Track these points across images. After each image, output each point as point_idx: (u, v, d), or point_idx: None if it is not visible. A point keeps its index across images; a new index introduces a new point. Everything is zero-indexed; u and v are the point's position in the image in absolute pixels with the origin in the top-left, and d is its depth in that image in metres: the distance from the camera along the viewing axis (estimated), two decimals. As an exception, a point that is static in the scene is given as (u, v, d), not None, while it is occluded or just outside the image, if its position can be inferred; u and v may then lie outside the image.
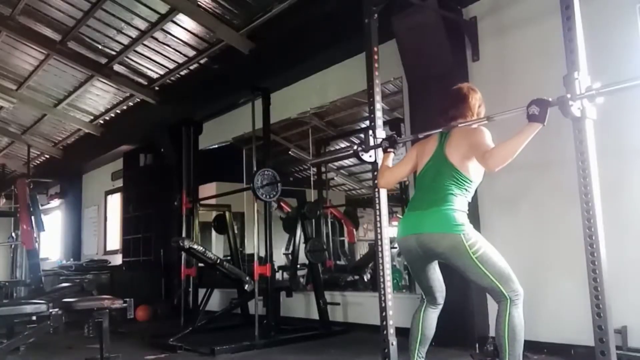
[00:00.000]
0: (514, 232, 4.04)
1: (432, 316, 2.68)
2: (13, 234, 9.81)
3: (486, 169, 2.40)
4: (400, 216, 3.08)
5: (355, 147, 3.03)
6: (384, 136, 3.28)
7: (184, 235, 5.99)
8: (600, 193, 2.26)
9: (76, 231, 11.43)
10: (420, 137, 2.93)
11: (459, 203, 2.48)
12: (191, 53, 6.65)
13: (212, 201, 6.85)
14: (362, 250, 9.80)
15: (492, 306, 3.95)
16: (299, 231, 5.84)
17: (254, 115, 5.23)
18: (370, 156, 3.14)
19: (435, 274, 2.65)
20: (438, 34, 4.24)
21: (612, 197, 2.97)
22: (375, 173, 3.22)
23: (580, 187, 2.29)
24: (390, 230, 3.22)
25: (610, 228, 2.32)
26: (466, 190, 2.51)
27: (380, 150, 3.20)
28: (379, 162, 3.20)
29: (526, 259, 3.94)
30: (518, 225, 4.03)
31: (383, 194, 3.21)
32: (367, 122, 3.48)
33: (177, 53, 6.72)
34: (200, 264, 5.96)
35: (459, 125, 2.60)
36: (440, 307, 2.71)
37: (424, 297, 2.72)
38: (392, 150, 2.93)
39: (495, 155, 2.29)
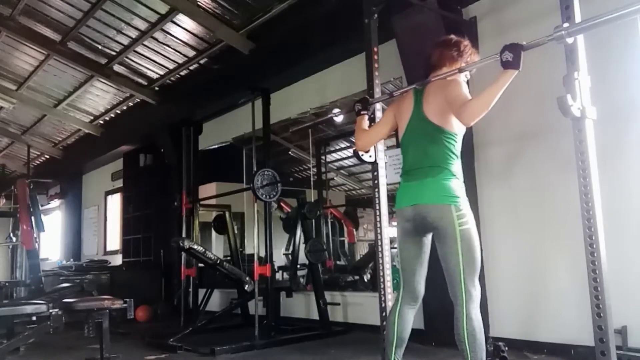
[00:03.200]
0: (513, 235, 4.04)
1: (408, 317, 2.56)
2: (11, 234, 9.79)
3: (462, 123, 2.34)
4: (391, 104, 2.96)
5: (356, 107, 2.92)
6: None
7: (184, 235, 5.98)
8: (600, 193, 2.26)
9: (76, 231, 11.43)
10: (394, 96, 2.89)
11: (453, 167, 2.43)
12: (191, 53, 6.65)
13: (212, 201, 6.85)
14: (362, 250, 9.81)
15: (491, 306, 3.97)
16: (299, 231, 5.84)
17: (254, 115, 5.23)
18: (370, 156, 3.14)
19: (423, 267, 2.57)
20: (438, 34, 4.22)
21: (612, 197, 2.97)
22: (376, 173, 3.23)
23: (580, 187, 2.29)
24: (390, 230, 3.21)
25: (610, 228, 2.32)
26: (454, 146, 2.45)
27: (380, 151, 3.21)
28: (379, 162, 3.21)
29: (526, 259, 3.95)
30: (516, 227, 4.03)
31: (383, 194, 3.21)
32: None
33: (177, 53, 6.72)
34: (200, 264, 5.96)
35: (431, 79, 2.52)
36: (417, 305, 2.60)
37: (399, 293, 2.60)
38: (365, 112, 2.88)
39: (470, 108, 2.23)
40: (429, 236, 2.54)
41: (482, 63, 2.48)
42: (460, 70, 2.52)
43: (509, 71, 2.15)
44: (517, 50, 2.14)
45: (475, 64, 2.59)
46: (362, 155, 3.09)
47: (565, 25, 2.18)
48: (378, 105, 3.19)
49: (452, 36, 2.66)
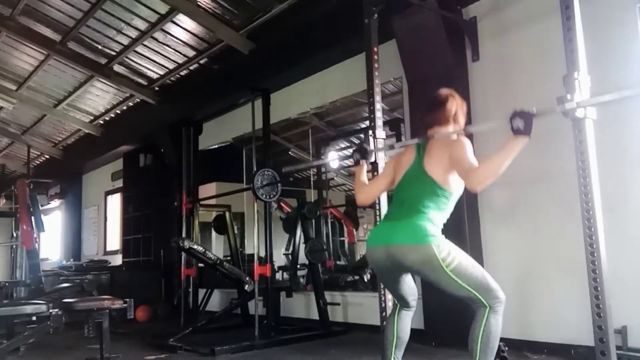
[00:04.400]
0: (513, 233, 4.04)
1: (406, 319, 2.55)
2: (15, 234, 9.79)
3: (470, 188, 2.24)
4: (392, 156, 2.93)
5: (354, 156, 2.82)
6: (384, 136, 3.29)
7: (184, 235, 5.99)
8: (600, 193, 2.26)
9: (76, 231, 11.43)
10: (395, 147, 2.84)
11: (435, 217, 2.32)
12: (191, 53, 6.65)
13: (212, 201, 6.86)
14: (362, 250, 9.79)
15: (492, 306, 3.96)
16: (299, 231, 5.84)
17: (254, 116, 5.23)
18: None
19: (405, 282, 2.50)
20: (438, 34, 4.25)
21: (612, 196, 2.97)
22: (376, 173, 3.22)
23: (580, 187, 2.29)
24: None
25: (610, 227, 2.32)
26: (445, 204, 2.36)
27: (380, 152, 3.21)
28: (379, 162, 3.21)
29: (526, 259, 3.95)
30: (517, 226, 4.03)
31: (383, 200, 3.21)
32: (367, 122, 3.49)
33: (177, 53, 6.72)
34: (200, 264, 5.96)
35: (435, 136, 2.44)
36: (414, 309, 2.58)
37: (396, 301, 2.60)
38: (364, 161, 2.79)
39: (479, 176, 2.15)
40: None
41: (490, 126, 2.44)
42: (466, 130, 2.47)
43: (520, 138, 2.07)
44: (529, 118, 2.05)
45: (483, 127, 2.55)
46: (358, 160, 3.08)
47: (578, 100, 2.14)
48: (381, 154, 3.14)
49: (442, 92, 2.55)
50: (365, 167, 2.80)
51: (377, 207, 3.20)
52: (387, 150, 3.16)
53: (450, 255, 2.23)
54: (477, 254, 4.03)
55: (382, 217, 2.56)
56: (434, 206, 2.33)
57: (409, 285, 2.53)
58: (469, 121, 4.29)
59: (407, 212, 2.35)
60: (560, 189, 3.65)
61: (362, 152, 2.80)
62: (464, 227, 4.05)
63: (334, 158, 3.01)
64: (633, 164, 3.45)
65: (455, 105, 2.51)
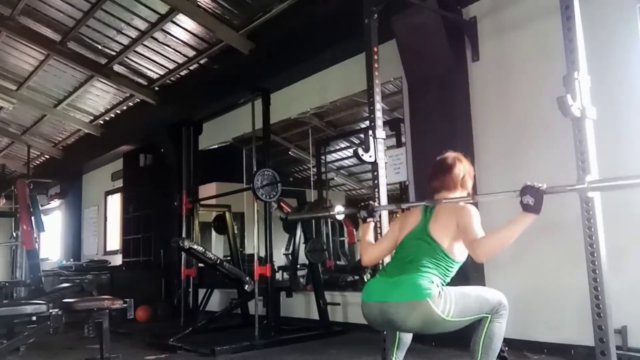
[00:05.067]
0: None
1: None
2: (14, 234, 9.79)
3: (474, 259, 2.20)
4: (399, 216, 2.92)
5: (361, 214, 2.74)
6: (384, 136, 3.28)
7: (184, 235, 5.99)
8: (600, 192, 2.26)
9: (76, 231, 11.42)
10: (402, 207, 2.80)
11: (434, 277, 2.23)
12: (191, 53, 6.64)
13: (212, 201, 6.86)
14: (360, 249, 9.77)
15: (492, 306, 3.96)
16: (299, 231, 5.84)
17: (254, 116, 5.23)
18: (370, 156, 3.14)
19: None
20: (438, 34, 4.24)
21: (612, 196, 2.96)
22: (376, 173, 3.22)
23: (580, 187, 2.29)
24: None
25: (610, 227, 2.32)
26: (447, 270, 2.31)
27: (380, 151, 3.20)
28: (379, 162, 3.20)
29: (526, 258, 3.94)
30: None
31: (383, 194, 3.21)
32: (367, 122, 3.48)
33: (177, 53, 6.72)
34: (200, 264, 5.96)
35: (443, 201, 2.41)
36: None
37: None
38: (371, 219, 2.72)
39: (485, 247, 2.13)
40: None
41: (499, 197, 2.41)
42: (474, 198, 2.44)
43: (529, 215, 2.06)
44: (539, 196, 2.03)
45: (491, 197, 2.52)
46: (362, 155, 3.09)
47: (588, 179, 2.12)
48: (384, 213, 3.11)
49: (447, 156, 2.54)
50: (371, 225, 2.73)
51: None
52: (394, 210, 3.10)
53: (447, 302, 2.17)
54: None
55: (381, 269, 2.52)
56: (434, 267, 2.27)
57: (407, 333, 2.52)
58: (468, 122, 4.32)
59: (404, 268, 2.29)
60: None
61: (368, 211, 2.73)
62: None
63: (340, 211, 2.97)
64: (633, 164, 3.45)
65: (463, 170, 2.49)
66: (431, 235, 2.34)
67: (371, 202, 2.84)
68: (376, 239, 2.86)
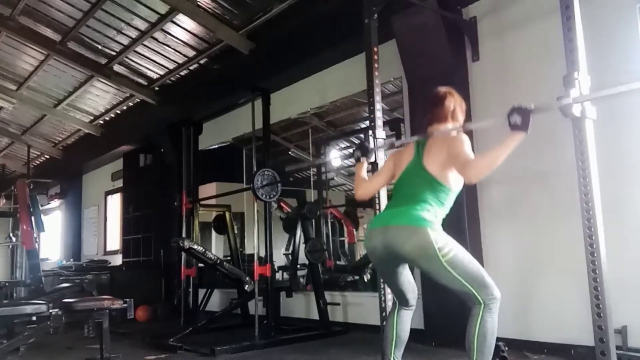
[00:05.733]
0: (513, 234, 4.04)
1: (406, 318, 2.55)
2: (11, 234, 9.78)
3: (465, 180, 2.29)
4: (392, 153, 2.95)
5: (355, 154, 2.86)
6: (384, 136, 3.29)
7: (184, 235, 5.99)
8: (600, 193, 2.26)
9: (76, 231, 11.42)
10: (395, 146, 2.85)
11: (434, 209, 2.34)
12: (191, 53, 6.65)
13: (212, 201, 6.86)
14: (362, 250, 9.79)
15: (492, 306, 3.96)
16: (299, 231, 5.84)
17: (254, 115, 5.23)
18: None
19: (405, 275, 2.51)
20: (438, 34, 4.25)
21: (612, 196, 2.97)
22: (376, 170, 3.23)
23: (580, 187, 2.30)
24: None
25: (610, 227, 2.32)
26: (444, 199, 2.38)
27: (380, 151, 3.21)
28: (380, 162, 3.21)
29: (526, 259, 3.95)
30: (516, 226, 4.03)
31: (383, 194, 3.21)
32: (367, 122, 3.49)
33: (177, 53, 6.72)
34: (200, 264, 5.96)
35: (434, 134, 2.49)
36: (414, 308, 2.58)
37: (395, 300, 2.60)
38: (364, 159, 2.83)
39: (475, 167, 2.18)
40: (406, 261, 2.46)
41: (489, 123, 2.45)
42: (465, 127, 2.48)
43: (517, 134, 2.10)
44: (526, 114, 2.07)
45: (480, 123, 2.56)
46: (358, 157, 3.09)
47: (574, 95, 2.14)
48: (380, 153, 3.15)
49: (440, 90, 2.58)
50: (365, 164, 2.85)
51: (377, 203, 3.20)
52: (387, 148, 3.17)
53: (447, 246, 2.25)
54: (477, 252, 4.03)
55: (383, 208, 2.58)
56: (433, 199, 2.36)
57: (409, 280, 2.53)
58: (468, 120, 4.32)
59: (406, 201, 2.39)
60: (559, 187, 3.65)
61: (362, 150, 2.84)
62: (463, 226, 4.05)
63: (335, 157, 3.10)
64: (633, 164, 3.45)
65: (454, 103, 2.54)
66: (426, 168, 2.41)
67: (365, 142, 2.94)
68: None
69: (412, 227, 2.28)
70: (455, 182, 2.39)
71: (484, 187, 4.22)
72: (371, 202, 3.25)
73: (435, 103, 2.55)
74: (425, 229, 2.25)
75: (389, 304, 3.01)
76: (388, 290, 3.08)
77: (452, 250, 2.25)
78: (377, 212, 3.18)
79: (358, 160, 2.84)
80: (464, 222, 4.06)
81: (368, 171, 2.92)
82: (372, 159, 3.05)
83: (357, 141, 8.14)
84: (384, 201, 3.20)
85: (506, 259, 4.03)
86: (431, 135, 2.50)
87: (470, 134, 2.64)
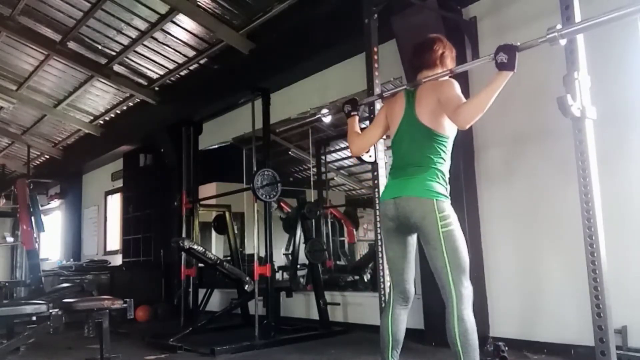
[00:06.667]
0: (513, 235, 4.04)
1: (401, 317, 2.54)
2: (5, 234, 9.77)
3: (458, 126, 2.30)
4: (383, 104, 2.94)
5: (345, 108, 2.82)
6: (383, 136, 3.29)
7: (184, 235, 5.99)
8: (600, 193, 2.26)
9: (76, 231, 11.42)
10: (383, 97, 2.83)
11: (440, 168, 2.39)
12: (191, 53, 6.64)
13: (212, 201, 6.86)
14: (362, 250, 9.81)
15: (491, 306, 3.97)
16: (299, 231, 5.84)
17: (254, 115, 5.23)
18: (370, 156, 3.14)
19: (409, 263, 2.53)
20: (438, 34, 4.24)
21: (612, 196, 2.97)
22: (376, 173, 3.23)
23: (580, 187, 2.30)
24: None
25: (610, 228, 2.32)
26: (444, 148, 2.41)
27: (380, 151, 3.21)
28: (379, 162, 3.21)
29: (526, 259, 3.95)
30: (516, 227, 4.03)
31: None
32: (367, 122, 3.49)
33: (177, 53, 6.72)
34: (200, 264, 5.96)
35: (423, 81, 2.46)
36: (409, 305, 2.57)
37: (390, 295, 2.59)
38: (355, 113, 2.79)
39: (466, 111, 2.17)
40: (414, 236, 2.50)
41: (476, 64, 2.46)
42: (452, 72, 2.47)
43: (504, 72, 2.09)
44: (512, 52, 2.07)
45: (469, 65, 2.57)
46: (362, 155, 3.09)
47: (558, 26, 2.15)
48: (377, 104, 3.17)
49: (429, 36, 2.60)
50: (357, 118, 2.81)
51: (378, 207, 3.20)
52: (377, 99, 3.14)
53: (449, 218, 2.31)
54: (477, 250, 4.03)
55: (390, 172, 2.60)
56: (435, 155, 2.38)
57: (411, 270, 2.54)
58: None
59: (416, 168, 2.40)
60: (559, 180, 3.65)
61: (352, 104, 2.80)
62: (463, 223, 4.04)
63: (325, 113, 3.08)
64: (633, 164, 3.45)
65: (442, 47, 2.53)
66: (420, 120, 2.42)
67: (354, 97, 2.90)
68: None
69: (422, 199, 2.32)
70: (450, 128, 2.40)
71: (483, 185, 4.22)
72: (371, 201, 3.25)
73: (423, 49, 2.55)
74: (432, 199, 2.30)
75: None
76: (388, 290, 3.08)
77: (451, 224, 2.31)
78: (377, 212, 3.18)
79: (349, 115, 2.79)
80: (464, 222, 4.06)
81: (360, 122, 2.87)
82: (370, 152, 3.02)
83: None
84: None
85: (506, 260, 4.03)
86: (420, 83, 2.48)
87: (466, 87, 2.61)
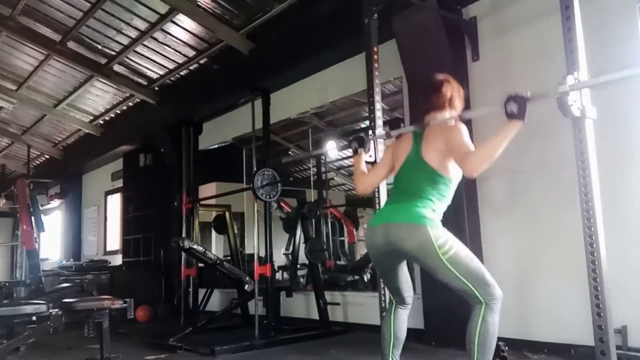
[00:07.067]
0: (513, 234, 4.04)
1: (402, 317, 2.54)
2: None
3: (465, 174, 2.24)
4: (390, 145, 2.94)
5: (352, 145, 2.80)
6: (383, 136, 3.29)
7: (184, 235, 5.98)
8: (600, 193, 2.26)
9: (76, 231, 11.42)
10: (392, 135, 2.83)
11: (435, 204, 2.33)
12: (191, 53, 6.64)
13: (212, 201, 6.86)
14: (362, 250, 9.80)
15: (492, 306, 3.96)
16: (299, 231, 5.84)
17: (254, 115, 5.23)
18: (370, 156, 3.14)
19: (403, 274, 2.50)
20: (438, 34, 4.24)
21: (612, 196, 2.97)
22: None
23: (580, 187, 2.30)
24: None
25: (610, 228, 2.32)
26: (445, 191, 2.36)
27: (380, 151, 3.21)
28: (379, 161, 3.21)
29: (526, 259, 3.95)
30: (516, 226, 4.03)
31: (383, 194, 3.22)
32: (367, 122, 3.49)
33: (176, 53, 6.72)
34: (200, 264, 5.96)
35: (431, 123, 2.44)
36: (410, 306, 2.57)
37: (392, 298, 2.59)
38: (362, 150, 2.77)
39: (474, 160, 2.13)
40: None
41: (485, 112, 2.43)
42: (461, 118, 2.44)
43: (514, 122, 2.05)
44: (523, 102, 2.03)
45: (477, 111, 2.54)
46: (360, 153, 3.09)
47: (570, 82, 2.12)
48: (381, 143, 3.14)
49: (437, 77, 2.54)
50: (363, 156, 2.78)
51: (377, 197, 3.20)
52: (385, 138, 3.14)
53: (448, 243, 2.22)
54: (476, 251, 4.02)
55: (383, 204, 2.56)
56: (434, 193, 2.33)
57: (406, 279, 2.53)
58: (468, 121, 4.32)
59: (407, 197, 2.36)
60: (559, 180, 3.65)
61: (359, 142, 2.78)
62: (463, 225, 4.05)
63: (332, 147, 3.14)
64: (633, 164, 3.45)
65: (451, 90, 2.49)
66: (425, 159, 2.38)
67: (362, 134, 2.87)
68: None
69: (413, 225, 2.25)
70: (455, 172, 2.36)
71: (482, 184, 4.22)
72: (371, 201, 3.25)
73: (432, 91, 2.51)
74: (425, 226, 2.23)
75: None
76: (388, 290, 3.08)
77: (452, 247, 2.23)
78: (378, 208, 3.18)
79: (356, 152, 2.77)
80: (463, 220, 4.06)
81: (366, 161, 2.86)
82: (370, 152, 3.01)
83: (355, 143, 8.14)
84: (383, 196, 3.20)
85: (506, 260, 4.03)
86: (428, 125, 2.46)
87: (469, 122, 2.62)
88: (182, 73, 7.14)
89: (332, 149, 2.92)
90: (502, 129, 2.08)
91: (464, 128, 2.32)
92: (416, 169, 2.41)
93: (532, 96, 2.04)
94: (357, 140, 2.79)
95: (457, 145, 2.25)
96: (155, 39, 6.48)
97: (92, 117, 9.25)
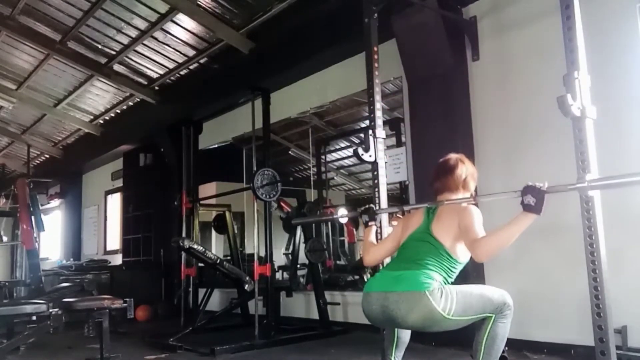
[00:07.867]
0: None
1: None
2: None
3: (474, 258, 2.21)
4: (400, 216, 2.93)
5: (363, 218, 2.82)
6: (384, 136, 3.29)
7: (184, 235, 5.98)
8: (600, 192, 2.25)
9: (76, 231, 11.43)
10: (404, 209, 2.82)
11: (436, 275, 2.23)
12: (191, 53, 6.64)
13: (212, 201, 6.85)
14: (362, 250, 9.78)
15: (492, 306, 3.96)
16: (299, 231, 5.83)
17: (254, 115, 5.23)
18: (370, 156, 3.14)
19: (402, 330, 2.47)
20: (438, 34, 4.24)
21: (612, 196, 2.96)
22: (376, 173, 3.22)
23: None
24: (389, 230, 3.19)
25: (610, 228, 2.31)
26: (449, 269, 2.31)
27: (380, 151, 3.21)
28: (379, 161, 3.21)
29: (526, 258, 3.94)
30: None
31: (383, 194, 3.21)
32: (367, 122, 3.49)
33: (177, 53, 6.72)
34: (200, 264, 5.96)
35: (445, 203, 2.42)
36: None
37: None
38: (373, 223, 2.78)
39: (486, 248, 2.13)
40: None
41: (500, 197, 2.41)
42: (476, 199, 2.43)
43: (530, 215, 2.04)
44: (541, 196, 2.01)
45: (492, 196, 2.51)
46: (362, 154, 3.09)
47: (589, 178, 2.11)
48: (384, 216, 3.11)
49: (450, 157, 2.55)
50: (374, 229, 2.79)
51: (377, 207, 3.20)
52: (396, 211, 3.15)
53: (449, 300, 2.16)
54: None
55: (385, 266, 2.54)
56: (437, 266, 2.28)
57: (405, 332, 2.52)
58: (468, 121, 4.32)
59: (409, 265, 2.30)
60: (558, 180, 3.64)
61: (369, 214, 2.80)
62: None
63: (343, 214, 3.15)
64: (633, 164, 3.45)
65: (465, 172, 2.50)
66: (434, 235, 2.35)
67: (372, 205, 2.87)
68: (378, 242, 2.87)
69: (413, 293, 2.16)
70: (463, 254, 2.33)
71: (481, 165, 4.22)
72: (371, 202, 3.25)
73: (446, 171, 2.50)
74: (426, 293, 2.14)
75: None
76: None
77: (452, 301, 2.17)
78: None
79: (366, 225, 2.78)
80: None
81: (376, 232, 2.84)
82: (370, 151, 3.03)
83: (357, 141, 8.14)
84: (384, 201, 3.19)
85: (505, 260, 4.03)
86: (441, 204, 2.44)
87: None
88: (182, 72, 7.14)
89: (343, 217, 2.93)
90: (517, 219, 2.07)
91: (476, 211, 2.31)
92: (423, 240, 2.37)
93: (549, 188, 2.03)
94: (367, 212, 2.81)
95: (468, 229, 2.23)
96: (156, 39, 6.48)
97: (92, 117, 9.25)
